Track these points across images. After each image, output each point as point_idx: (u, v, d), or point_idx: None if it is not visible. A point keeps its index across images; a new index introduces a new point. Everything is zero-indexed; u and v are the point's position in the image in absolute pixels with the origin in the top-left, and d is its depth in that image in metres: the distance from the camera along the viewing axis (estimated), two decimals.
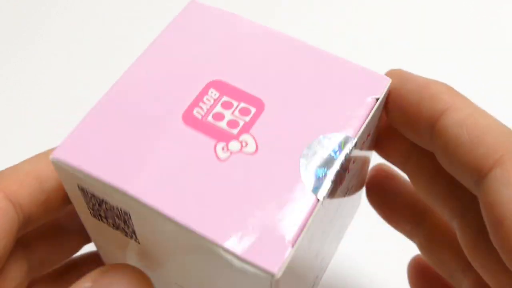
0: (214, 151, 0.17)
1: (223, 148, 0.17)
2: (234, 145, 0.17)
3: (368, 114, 0.17)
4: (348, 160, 0.17)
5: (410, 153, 0.20)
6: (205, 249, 0.15)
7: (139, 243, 0.18)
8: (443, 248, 0.21)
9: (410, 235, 0.22)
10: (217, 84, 0.18)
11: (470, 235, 0.17)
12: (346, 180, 0.18)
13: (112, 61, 0.39)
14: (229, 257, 0.15)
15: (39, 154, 0.19)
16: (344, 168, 0.17)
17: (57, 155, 0.17)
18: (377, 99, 0.18)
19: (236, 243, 0.15)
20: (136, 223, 0.17)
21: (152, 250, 0.18)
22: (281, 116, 0.17)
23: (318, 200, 0.16)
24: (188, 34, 0.19)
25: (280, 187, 0.16)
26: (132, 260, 0.20)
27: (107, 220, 0.18)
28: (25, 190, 0.18)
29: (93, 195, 0.17)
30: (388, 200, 0.22)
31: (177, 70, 0.18)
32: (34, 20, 0.41)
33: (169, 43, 0.19)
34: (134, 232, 0.18)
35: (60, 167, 0.17)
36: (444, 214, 0.19)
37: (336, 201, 0.18)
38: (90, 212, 0.19)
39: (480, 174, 0.16)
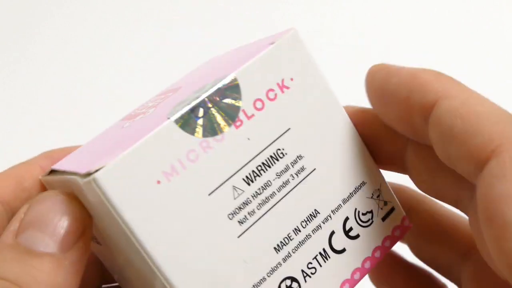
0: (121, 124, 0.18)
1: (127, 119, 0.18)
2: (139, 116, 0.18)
3: (256, 56, 0.17)
4: (220, 92, 0.16)
5: (405, 150, 0.19)
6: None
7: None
8: (434, 244, 0.20)
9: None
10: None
11: (477, 223, 0.17)
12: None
13: (111, 61, 0.39)
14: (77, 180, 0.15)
15: (19, 163, 0.21)
16: (218, 101, 0.16)
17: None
18: (272, 43, 0.17)
19: (84, 169, 0.15)
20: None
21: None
22: (186, 87, 0.18)
23: (168, 119, 0.16)
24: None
25: (147, 122, 0.16)
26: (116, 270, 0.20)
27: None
28: (6, 188, 0.19)
29: None
30: None
31: None
32: (34, 20, 0.41)
33: None
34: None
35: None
36: (454, 205, 0.18)
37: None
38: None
39: (477, 165, 0.15)
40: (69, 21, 0.41)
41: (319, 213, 0.18)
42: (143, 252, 0.15)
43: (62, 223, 0.16)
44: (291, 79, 0.17)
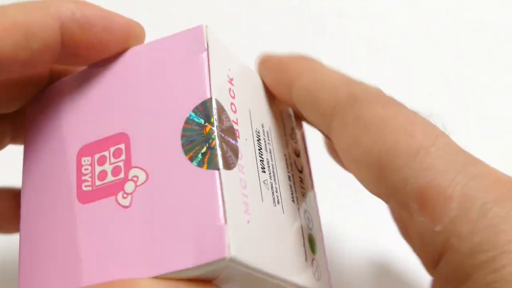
0: (117, 203, 0.17)
1: (123, 197, 0.17)
2: (128, 186, 0.17)
3: (203, 68, 0.18)
4: (221, 119, 0.17)
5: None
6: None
7: None
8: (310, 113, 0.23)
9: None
10: (83, 151, 0.19)
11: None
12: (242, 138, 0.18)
13: None
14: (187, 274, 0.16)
15: (33, 2, 0.17)
16: (225, 129, 0.17)
17: None
18: (206, 50, 0.18)
19: (182, 261, 0.15)
20: None
21: None
22: (147, 132, 0.18)
23: (218, 170, 0.16)
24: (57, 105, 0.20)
25: (185, 189, 0.16)
26: None
27: None
28: (6, 41, 0.16)
29: None
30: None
31: (51, 148, 0.19)
32: None
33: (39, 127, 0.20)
34: None
35: None
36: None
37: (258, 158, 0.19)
38: None
39: (328, 120, 0.19)
40: None
41: (286, 154, 0.21)
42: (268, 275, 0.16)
43: None
44: (230, 70, 0.19)
